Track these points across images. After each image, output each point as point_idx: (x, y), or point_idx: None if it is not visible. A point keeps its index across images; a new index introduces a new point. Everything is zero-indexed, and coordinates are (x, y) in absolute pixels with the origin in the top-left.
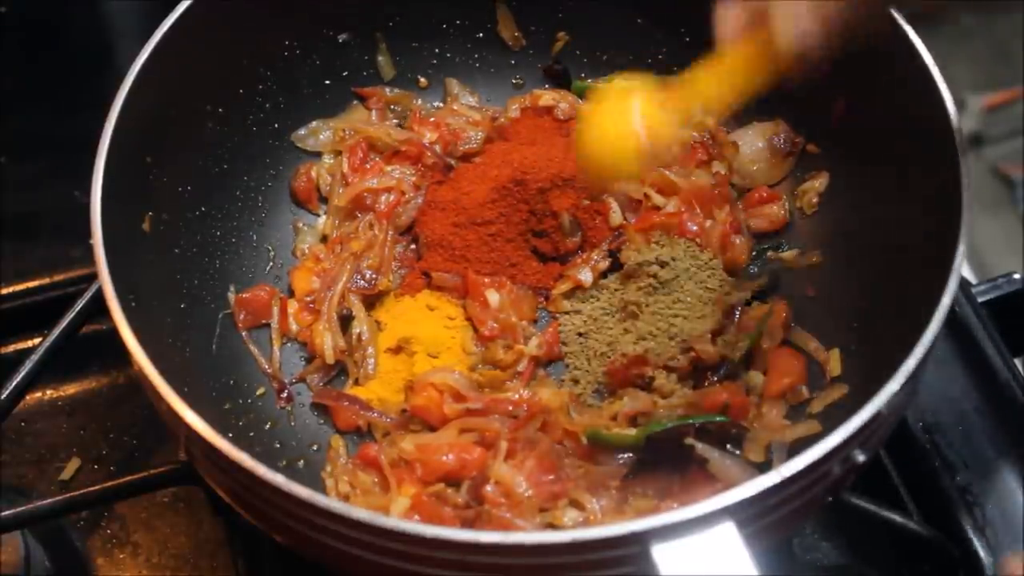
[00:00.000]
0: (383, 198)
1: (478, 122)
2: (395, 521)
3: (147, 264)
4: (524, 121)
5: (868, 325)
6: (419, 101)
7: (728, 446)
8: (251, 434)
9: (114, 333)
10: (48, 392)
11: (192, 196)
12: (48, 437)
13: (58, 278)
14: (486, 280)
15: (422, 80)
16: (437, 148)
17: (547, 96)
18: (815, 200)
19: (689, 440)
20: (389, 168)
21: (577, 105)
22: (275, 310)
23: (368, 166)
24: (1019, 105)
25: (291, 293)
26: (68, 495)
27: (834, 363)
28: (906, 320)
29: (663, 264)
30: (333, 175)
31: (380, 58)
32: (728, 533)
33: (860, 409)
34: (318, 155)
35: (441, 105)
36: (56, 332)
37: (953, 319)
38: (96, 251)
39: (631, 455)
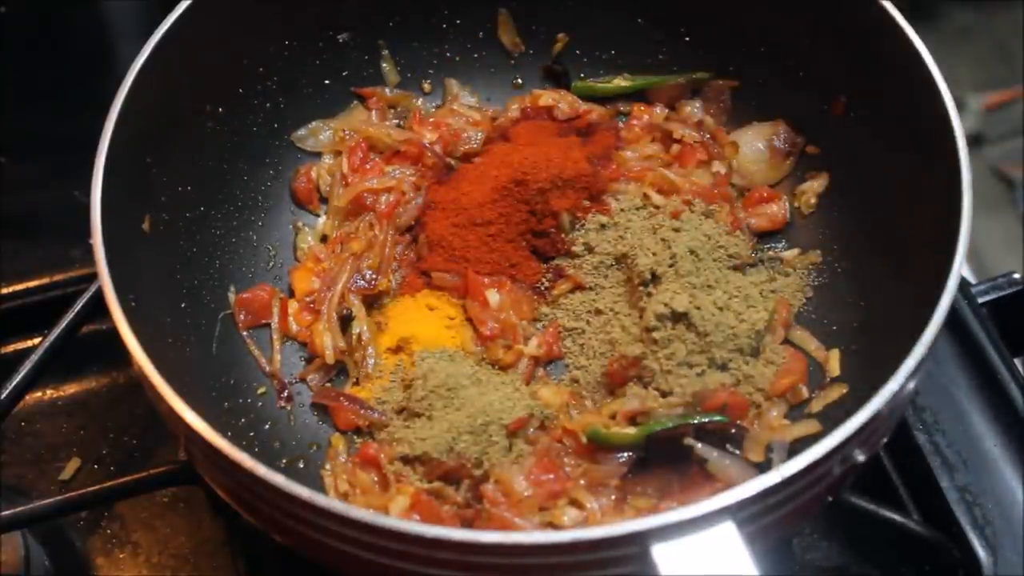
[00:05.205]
0: (383, 198)
1: (478, 122)
2: (395, 521)
3: (147, 264)
4: (524, 121)
5: (868, 325)
6: (419, 101)
7: (728, 446)
8: (251, 434)
9: (114, 333)
10: (48, 392)
11: (192, 196)
12: (48, 437)
13: (58, 278)
14: (486, 280)
15: (426, 86)
16: (437, 148)
17: (547, 96)
18: (813, 200)
19: (689, 440)
20: (389, 168)
21: (576, 105)
22: (275, 310)
23: (368, 166)
24: (1019, 105)
25: (291, 293)
26: (68, 495)
27: (834, 363)
28: (906, 320)
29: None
30: (333, 175)
31: (384, 65)
32: (728, 533)
33: (860, 409)
34: (318, 155)
35: (441, 105)
36: (56, 332)
37: (953, 319)
38: (96, 251)
39: (631, 454)
